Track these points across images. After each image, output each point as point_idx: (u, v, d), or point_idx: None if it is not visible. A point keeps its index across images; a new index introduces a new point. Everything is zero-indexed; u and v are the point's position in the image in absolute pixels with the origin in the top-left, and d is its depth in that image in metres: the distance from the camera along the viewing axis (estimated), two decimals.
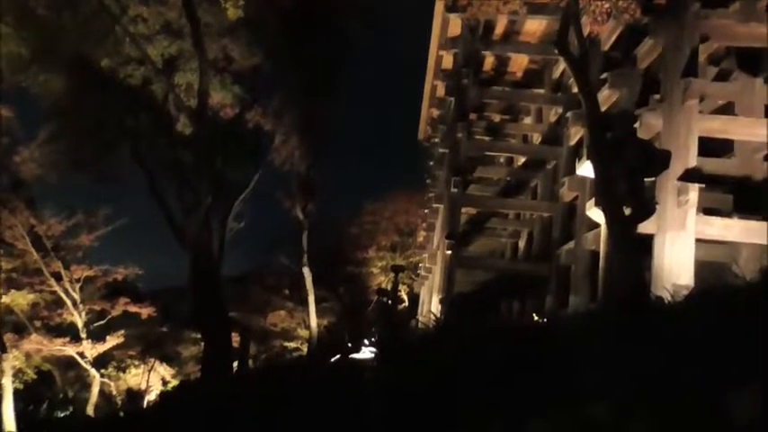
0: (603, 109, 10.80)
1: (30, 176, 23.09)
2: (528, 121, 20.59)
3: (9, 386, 24.25)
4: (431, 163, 24.52)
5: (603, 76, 11.90)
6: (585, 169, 10.54)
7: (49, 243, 26.31)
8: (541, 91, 18.59)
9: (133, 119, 18.68)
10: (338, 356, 16.35)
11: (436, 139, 23.26)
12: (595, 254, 12.53)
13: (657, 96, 10.43)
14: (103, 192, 24.62)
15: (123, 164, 19.49)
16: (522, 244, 20.46)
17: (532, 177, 19.16)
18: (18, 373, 25.42)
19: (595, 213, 10.14)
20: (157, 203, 18.94)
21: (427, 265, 22.87)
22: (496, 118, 21.35)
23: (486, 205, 19.75)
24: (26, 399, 27.05)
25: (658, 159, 9.52)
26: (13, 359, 24.73)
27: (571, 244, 14.70)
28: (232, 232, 21.51)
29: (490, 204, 19.72)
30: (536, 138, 19.59)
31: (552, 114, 18.30)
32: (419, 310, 24.94)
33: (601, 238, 11.61)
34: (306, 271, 29.44)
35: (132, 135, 18.74)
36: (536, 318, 10.20)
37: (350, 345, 25.32)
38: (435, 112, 23.17)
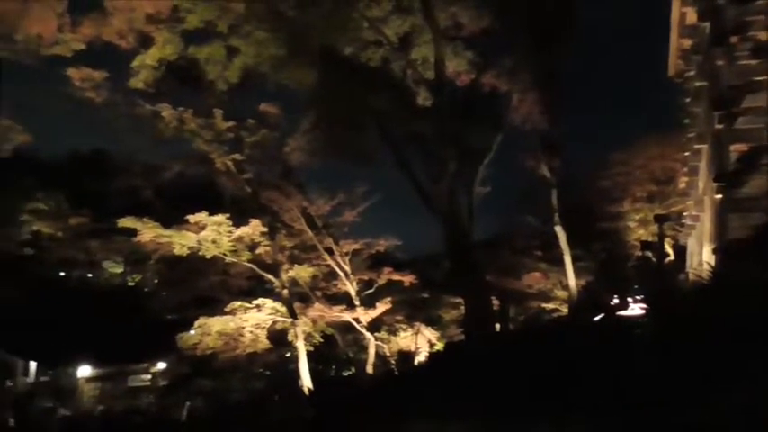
0: None
1: (297, 164, 26.02)
2: None
3: (303, 348, 27.87)
4: (687, 100, 22.15)
5: None
6: None
7: (320, 222, 29.44)
8: None
9: (377, 99, 19.85)
10: (602, 315, 15.77)
11: (690, 73, 20.91)
12: None
13: None
14: (357, 170, 26.57)
15: (372, 142, 20.85)
16: None
17: None
18: (308, 337, 28.91)
19: None
20: (406, 176, 19.99)
21: (693, 212, 20.88)
22: (763, 36, 18.47)
23: (760, 139, 17.32)
24: (315, 359, 30.58)
25: None
26: (302, 324, 28.30)
27: None
28: (479, 197, 21.75)
29: (765, 137, 17.25)
30: None
31: None
32: (687, 263, 22.91)
33: None
34: (559, 230, 28.76)
35: (378, 114, 19.94)
36: None
37: (615, 302, 24.23)
38: (687, 43, 20.83)
